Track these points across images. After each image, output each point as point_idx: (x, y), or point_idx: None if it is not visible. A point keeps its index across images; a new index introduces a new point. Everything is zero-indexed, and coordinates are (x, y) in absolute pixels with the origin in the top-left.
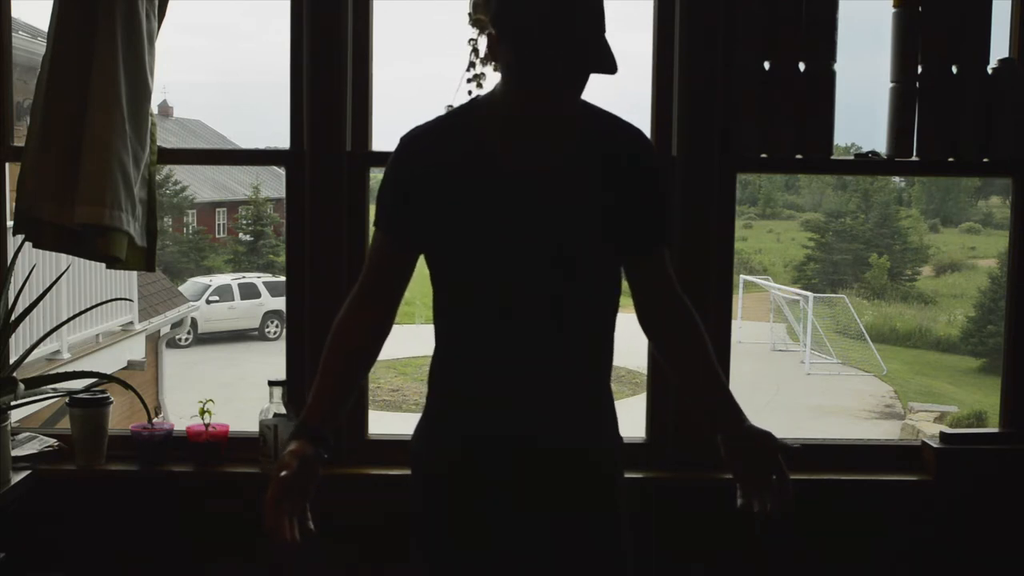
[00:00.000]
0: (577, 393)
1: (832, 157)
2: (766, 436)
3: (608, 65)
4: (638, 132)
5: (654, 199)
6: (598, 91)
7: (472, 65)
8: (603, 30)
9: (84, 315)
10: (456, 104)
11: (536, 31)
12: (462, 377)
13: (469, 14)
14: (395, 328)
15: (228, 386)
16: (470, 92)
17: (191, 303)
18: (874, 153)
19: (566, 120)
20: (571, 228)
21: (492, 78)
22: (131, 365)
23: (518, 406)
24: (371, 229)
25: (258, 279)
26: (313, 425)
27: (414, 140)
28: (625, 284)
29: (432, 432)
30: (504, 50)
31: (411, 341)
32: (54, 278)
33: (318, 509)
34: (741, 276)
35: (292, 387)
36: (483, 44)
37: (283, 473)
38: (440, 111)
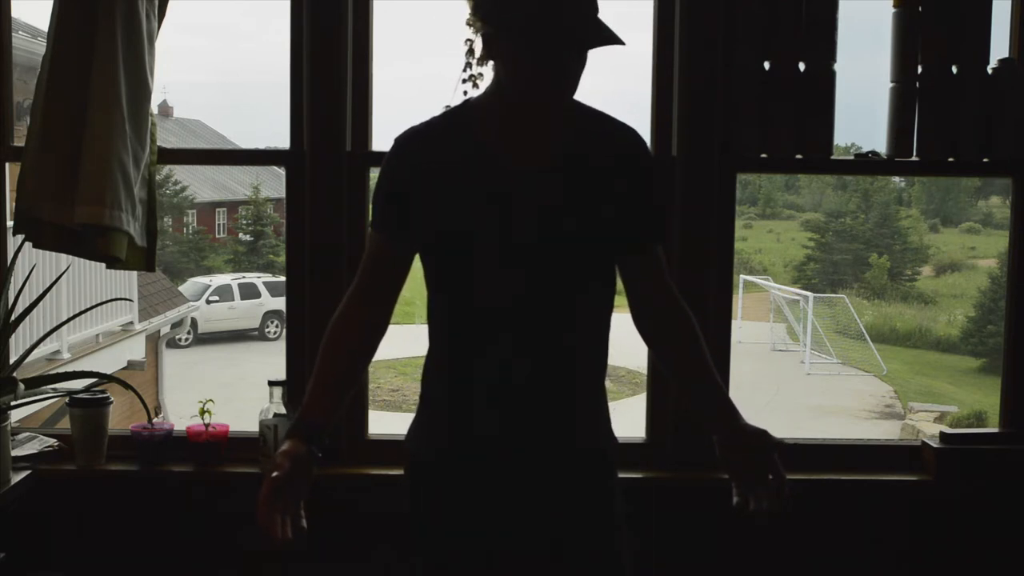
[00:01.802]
0: (573, 391)
1: (832, 157)
2: (761, 435)
3: (612, 38)
4: (633, 132)
5: (649, 198)
6: (599, 91)
7: (468, 66)
8: (595, 12)
9: (84, 315)
10: (454, 105)
11: (530, 25)
12: (457, 376)
13: (470, 14)
14: (395, 328)
15: (228, 386)
16: (465, 93)
17: (191, 303)
18: (874, 153)
19: (561, 119)
20: (566, 227)
21: (488, 78)
22: (131, 365)
23: (513, 405)
24: (370, 229)
25: (258, 279)
26: (308, 424)
27: (409, 139)
28: (620, 285)
29: (427, 431)
30: (503, 47)
31: (411, 341)
32: (54, 278)
33: (317, 509)
34: (741, 276)
35: (292, 387)
36: (479, 45)
37: (275, 473)
38: (439, 111)
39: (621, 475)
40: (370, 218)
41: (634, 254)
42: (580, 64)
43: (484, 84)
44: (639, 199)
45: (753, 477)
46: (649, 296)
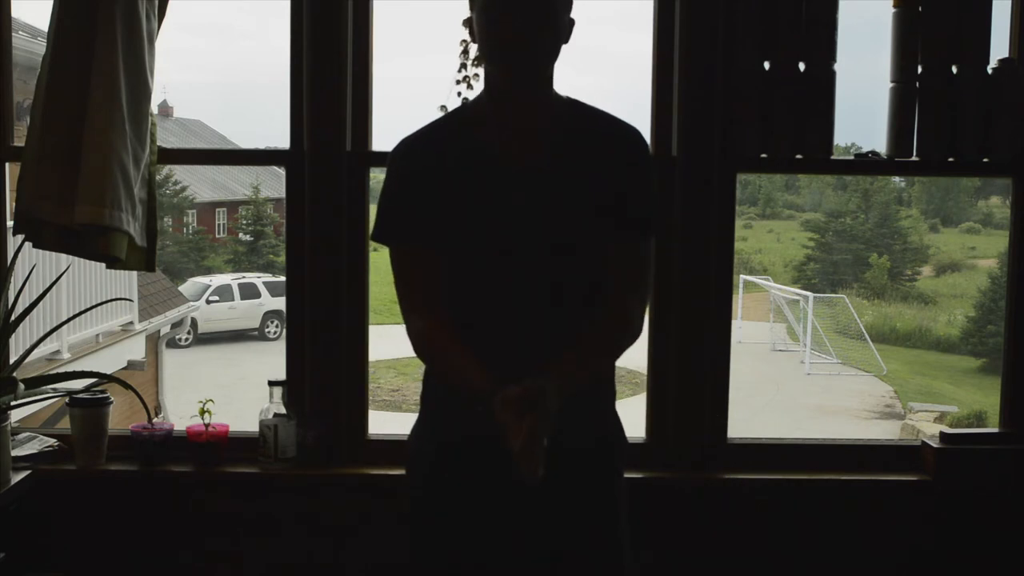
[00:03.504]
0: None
1: (832, 157)
2: (532, 388)
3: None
4: (631, 130)
5: (632, 192)
6: (599, 91)
7: (463, 66)
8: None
9: (84, 315)
10: (450, 106)
11: (486, 37)
12: None
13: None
14: (394, 328)
15: (228, 386)
16: (459, 94)
17: (191, 303)
18: (874, 153)
19: (549, 118)
20: (564, 224)
21: (483, 79)
22: (131, 365)
23: None
24: (371, 228)
25: (258, 279)
26: (492, 382)
27: (411, 144)
28: None
29: (430, 431)
30: (476, 25)
31: None
32: (54, 278)
33: (318, 509)
34: (741, 276)
35: (292, 387)
36: (474, 46)
37: (528, 397)
38: (437, 113)
39: None
40: (373, 234)
41: (610, 247)
42: (536, 74)
43: (478, 85)
44: (622, 192)
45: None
46: (604, 287)
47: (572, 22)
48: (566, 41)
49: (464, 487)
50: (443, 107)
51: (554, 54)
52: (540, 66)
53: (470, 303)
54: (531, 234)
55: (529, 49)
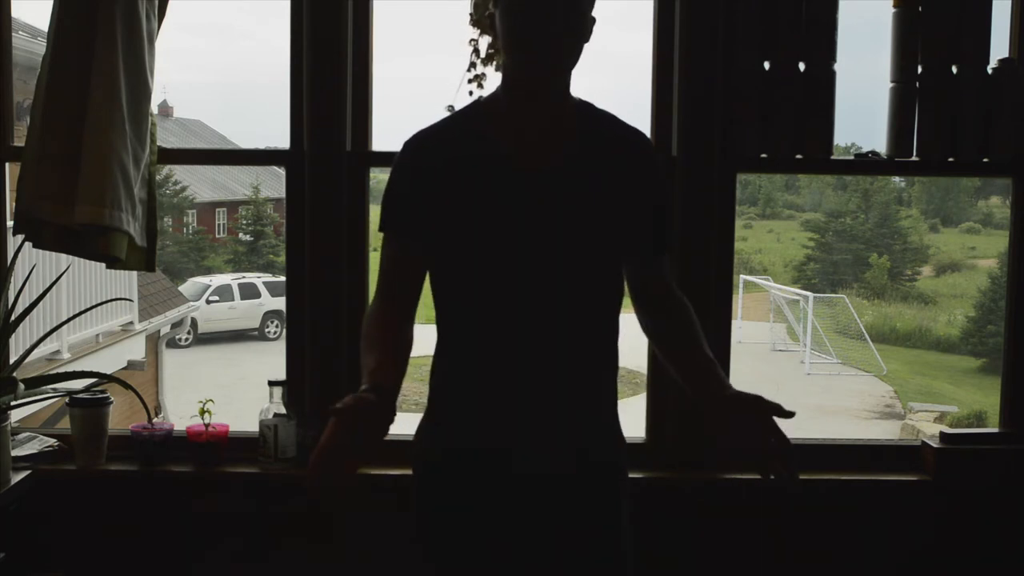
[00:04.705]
0: (580, 392)
1: (832, 157)
2: (755, 399)
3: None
4: (643, 136)
5: (655, 207)
6: (599, 91)
7: (473, 65)
8: (576, 15)
9: (84, 315)
10: (457, 105)
11: (511, 29)
12: (463, 380)
13: (470, 14)
14: None
15: (228, 386)
16: (471, 92)
17: (191, 303)
18: (874, 153)
19: (565, 120)
20: (572, 228)
21: (492, 78)
22: (131, 365)
23: (521, 406)
24: (371, 229)
25: (258, 279)
26: (374, 384)
27: (421, 140)
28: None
29: (435, 432)
30: (499, 23)
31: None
32: (54, 278)
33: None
34: (741, 276)
35: (292, 387)
36: (484, 44)
37: (338, 404)
38: (442, 112)
39: None
40: (380, 225)
41: (639, 263)
42: (558, 74)
43: (488, 84)
44: (645, 208)
45: (753, 444)
46: (652, 299)
47: (594, 20)
48: (587, 40)
49: (467, 487)
50: (450, 107)
51: (577, 50)
52: (563, 60)
53: (474, 303)
54: (540, 237)
55: (552, 43)
